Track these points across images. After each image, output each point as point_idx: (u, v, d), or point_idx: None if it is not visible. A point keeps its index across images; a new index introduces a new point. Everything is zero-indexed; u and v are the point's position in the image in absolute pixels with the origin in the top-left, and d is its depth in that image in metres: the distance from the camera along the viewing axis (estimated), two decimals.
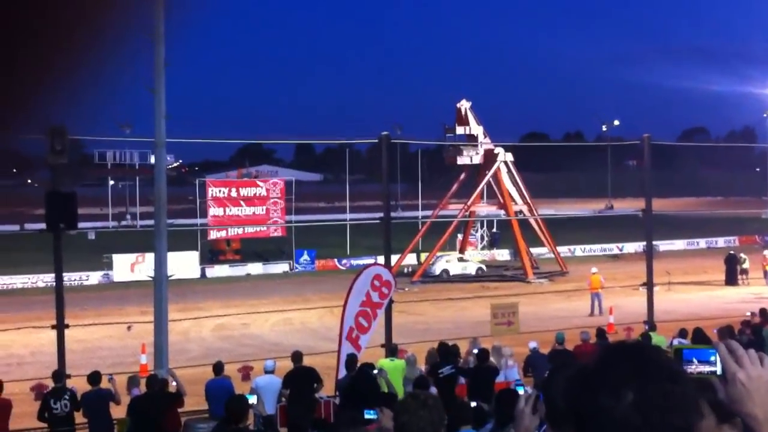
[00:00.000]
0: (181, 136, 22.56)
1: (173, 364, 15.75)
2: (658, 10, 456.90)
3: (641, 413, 1.64)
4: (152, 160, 20.61)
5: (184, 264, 40.98)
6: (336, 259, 49.08)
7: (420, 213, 60.84)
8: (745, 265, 37.17)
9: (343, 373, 13.86)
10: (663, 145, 47.08)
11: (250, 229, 47.14)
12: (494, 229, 53.89)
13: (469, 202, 43.71)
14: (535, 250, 45.41)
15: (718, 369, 1.88)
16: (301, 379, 13.29)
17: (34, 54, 1.09)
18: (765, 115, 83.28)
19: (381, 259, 22.45)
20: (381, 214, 18.27)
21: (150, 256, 24.21)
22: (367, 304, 15.60)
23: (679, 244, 54.44)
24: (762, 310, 17.99)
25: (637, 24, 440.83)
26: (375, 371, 12.57)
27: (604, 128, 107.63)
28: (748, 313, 18.58)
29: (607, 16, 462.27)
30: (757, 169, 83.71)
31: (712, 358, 1.90)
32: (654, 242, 24.32)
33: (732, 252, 38.93)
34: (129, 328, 24.06)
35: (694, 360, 1.92)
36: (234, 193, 46.40)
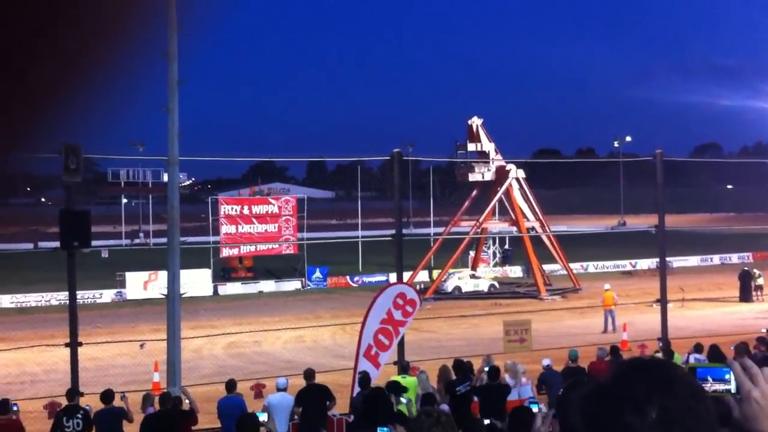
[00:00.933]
0: (193, 154, 22.74)
1: (186, 382, 15.74)
2: (669, 26, 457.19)
3: (665, 430, 1.62)
4: (165, 178, 20.68)
5: (196, 281, 41.06)
6: (348, 277, 49.05)
7: (432, 230, 60.77)
8: (760, 281, 36.91)
9: (357, 390, 13.81)
10: (676, 161, 46.96)
11: (262, 247, 47.24)
12: (506, 246, 53.77)
13: (480, 219, 43.64)
14: (547, 267, 45.25)
15: (733, 387, 1.88)
16: (313, 396, 13.24)
17: (45, 72, 1.10)
18: None
19: (393, 277, 22.43)
20: (393, 231, 18.26)
21: (163, 274, 24.27)
22: (388, 321, 15.48)
23: (692, 260, 54.15)
24: None
25: (649, 40, 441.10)
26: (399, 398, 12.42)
27: (616, 144, 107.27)
28: (764, 330, 18.44)
29: (619, 32, 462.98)
30: None
31: (727, 377, 1.90)
32: (667, 258, 24.17)
33: (746, 268, 38.68)
34: (142, 345, 24.07)
35: (709, 378, 1.92)
36: (246, 211, 46.53)
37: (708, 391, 1.86)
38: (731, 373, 1.89)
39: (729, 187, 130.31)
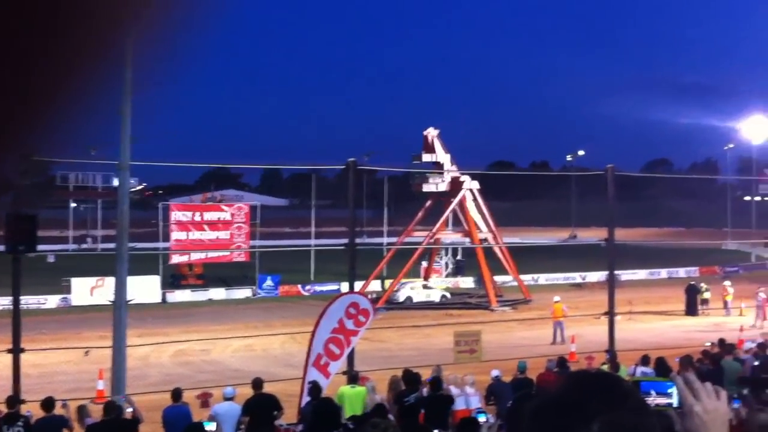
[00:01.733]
0: (146, 158, 22.34)
1: (131, 390, 15.49)
2: (625, 44, 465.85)
3: None
4: (116, 182, 20.36)
5: (145, 288, 40.54)
6: (300, 285, 48.78)
7: (385, 240, 60.84)
8: (706, 296, 37.61)
9: (306, 400, 13.71)
10: (627, 176, 47.76)
11: (213, 254, 46.82)
12: (459, 257, 54.04)
13: (434, 230, 43.82)
14: (499, 278, 45.58)
15: (675, 401, 1.91)
16: (261, 406, 13.12)
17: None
18: (726, 148, 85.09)
19: (345, 286, 22.36)
20: (346, 240, 18.21)
21: (110, 280, 23.84)
22: (339, 331, 15.32)
23: (641, 274, 55.01)
24: (721, 341, 18.18)
25: (603, 57, 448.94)
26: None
27: (569, 158, 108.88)
28: (708, 343, 18.74)
29: (576, 50, 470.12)
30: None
31: (670, 391, 1.94)
32: (616, 272, 24.53)
33: (693, 282, 39.39)
34: (87, 353, 23.65)
35: (652, 392, 1.95)
36: (198, 217, 46.07)
37: (651, 405, 1.88)
38: (674, 387, 1.92)
39: (679, 202, 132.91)
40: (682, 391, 1.89)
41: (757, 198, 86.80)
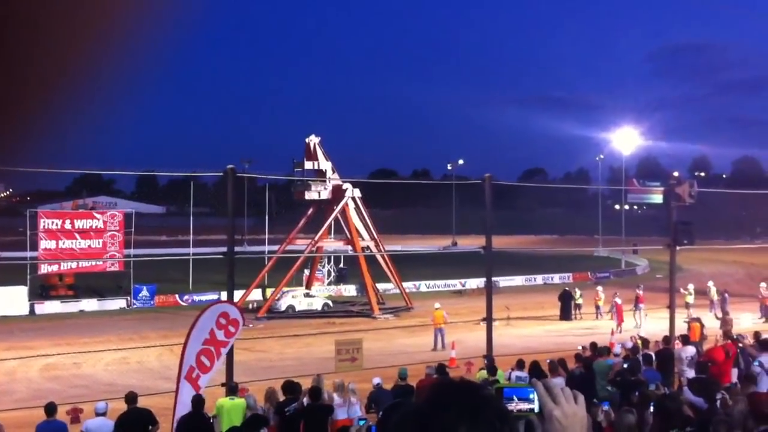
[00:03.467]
0: (11, 163, 21.20)
1: None
2: (503, 60, 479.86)
3: None
4: None
5: (11, 300, 38.75)
6: (177, 295, 47.53)
7: (266, 248, 60.15)
8: (579, 301, 39.00)
9: (183, 413, 13.27)
10: (504, 185, 48.98)
11: (84, 263, 44.93)
12: (341, 265, 54.04)
13: (316, 238, 43.62)
14: (381, 286, 45.83)
15: (536, 407, 1.98)
16: (134, 421, 12.64)
17: None
18: (598, 159, 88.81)
19: (225, 295, 21.86)
20: (225, 249, 17.80)
21: None
22: (210, 342, 14.89)
23: (518, 280, 56.57)
24: (592, 344, 18.79)
25: (484, 71, 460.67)
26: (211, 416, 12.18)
27: (449, 167, 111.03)
28: (580, 347, 19.33)
29: (457, 63, 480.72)
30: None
31: (531, 396, 2.00)
32: (494, 278, 25.04)
33: (567, 288, 40.75)
34: None
35: (515, 398, 2.02)
36: (68, 225, 44.16)
37: (513, 411, 1.96)
38: (535, 392, 1.99)
39: (553, 210, 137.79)
40: (542, 397, 1.96)
41: (626, 206, 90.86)
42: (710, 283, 38.75)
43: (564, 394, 1.98)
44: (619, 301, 34.79)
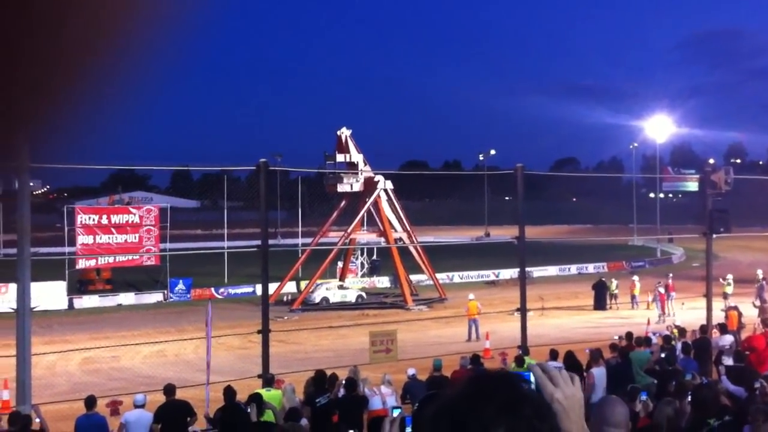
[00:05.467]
0: (47, 160, 21.49)
1: (38, 400, 14.93)
2: (533, 49, 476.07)
3: None
4: (16, 185, 19.53)
5: (50, 295, 39.24)
6: (213, 288, 47.98)
7: (300, 240, 60.44)
8: (615, 291, 38.66)
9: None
10: (536, 175, 48.71)
11: (121, 258, 45.50)
12: (374, 257, 54.14)
13: (349, 230, 43.74)
14: (414, 277, 45.85)
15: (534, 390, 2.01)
16: (173, 413, 12.84)
17: None
18: (631, 147, 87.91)
19: (259, 288, 22.06)
20: (259, 242, 17.92)
21: (13, 287, 22.90)
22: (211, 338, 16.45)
23: (551, 270, 56.23)
24: (628, 334, 18.66)
25: (514, 61, 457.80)
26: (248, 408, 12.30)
27: (481, 157, 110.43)
28: (616, 337, 19.20)
29: (486, 52, 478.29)
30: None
31: (529, 380, 2.00)
32: (528, 269, 24.96)
33: (602, 278, 40.42)
34: None
35: None
36: (105, 221, 44.71)
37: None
38: (532, 376, 2.00)
39: (586, 199, 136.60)
40: (540, 379, 1.97)
41: (661, 195, 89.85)
42: (759, 272, 37.01)
43: (562, 376, 1.99)
44: (662, 290, 34.42)
